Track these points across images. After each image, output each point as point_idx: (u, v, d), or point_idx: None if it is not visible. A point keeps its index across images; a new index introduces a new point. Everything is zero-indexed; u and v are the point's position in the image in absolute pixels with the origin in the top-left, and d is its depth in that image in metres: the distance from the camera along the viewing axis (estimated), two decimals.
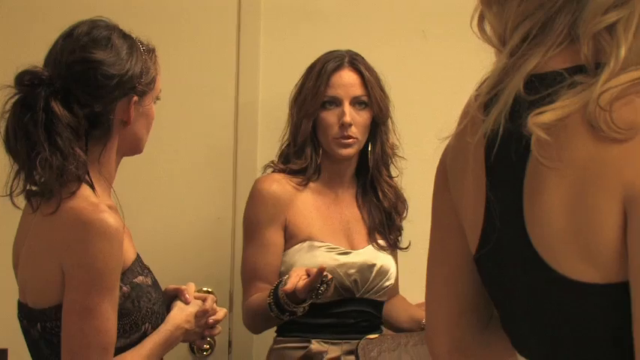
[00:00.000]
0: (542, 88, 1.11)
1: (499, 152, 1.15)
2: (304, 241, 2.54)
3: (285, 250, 2.57)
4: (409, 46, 3.00)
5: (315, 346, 2.52)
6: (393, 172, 2.68)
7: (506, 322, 1.25)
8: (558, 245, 1.09)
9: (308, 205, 2.59)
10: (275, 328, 2.62)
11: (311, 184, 2.61)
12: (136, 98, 1.99)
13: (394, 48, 2.98)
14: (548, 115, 1.08)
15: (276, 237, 2.56)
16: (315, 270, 2.33)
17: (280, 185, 2.58)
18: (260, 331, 2.62)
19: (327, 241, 2.55)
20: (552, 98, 1.09)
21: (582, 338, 1.12)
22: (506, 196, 1.15)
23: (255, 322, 2.55)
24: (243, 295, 2.60)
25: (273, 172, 2.64)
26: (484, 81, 1.20)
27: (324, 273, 2.33)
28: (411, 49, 3.00)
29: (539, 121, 1.08)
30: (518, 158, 1.13)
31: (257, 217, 2.58)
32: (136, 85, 1.98)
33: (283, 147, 2.66)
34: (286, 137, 2.65)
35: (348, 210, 2.64)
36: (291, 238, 2.56)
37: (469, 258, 1.26)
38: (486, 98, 1.17)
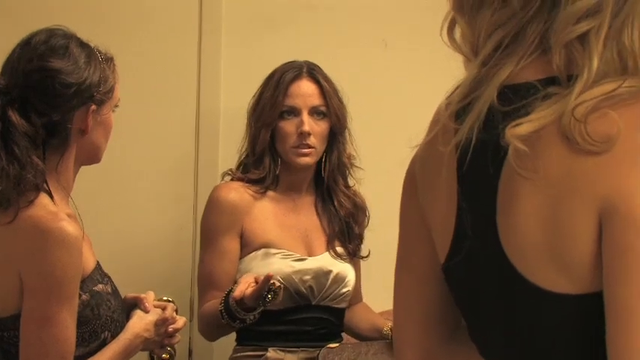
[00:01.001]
0: (516, 99, 1.11)
1: (472, 162, 1.15)
2: (260, 248, 2.55)
3: (241, 258, 2.57)
4: (370, 56, 3.01)
5: (272, 354, 2.52)
6: (351, 181, 2.69)
7: (475, 332, 1.24)
8: (532, 255, 1.09)
9: (266, 212, 2.60)
10: (235, 336, 2.62)
11: (269, 193, 2.62)
12: (94, 107, 1.98)
13: (355, 57, 2.99)
14: (524, 126, 1.08)
15: (232, 245, 2.56)
16: (262, 277, 2.33)
17: (238, 193, 2.59)
18: (215, 338, 2.62)
19: (284, 248, 2.55)
20: (527, 110, 1.09)
21: (554, 349, 1.11)
22: (479, 206, 1.15)
23: (210, 329, 2.56)
24: (199, 302, 2.60)
25: (231, 180, 2.64)
26: (455, 89, 1.20)
27: (272, 281, 2.33)
28: (372, 59, 3.01)
29: (516, 132, 1.08)
30: (491, 168, 1.13)
31: (214, 225, 2.58)
32: (94, 94, 1.97)
33: (242, 157, 2.66)
34: (244, 147, 2.65)
35: (306, 218, 2.65)
36: (247, 246, 2.57)
37: (437, 267, 1.25)
38: (458, 107, 1.17)
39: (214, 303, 2.49)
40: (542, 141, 1.07)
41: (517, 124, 1.08)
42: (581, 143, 1.05)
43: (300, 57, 2.67)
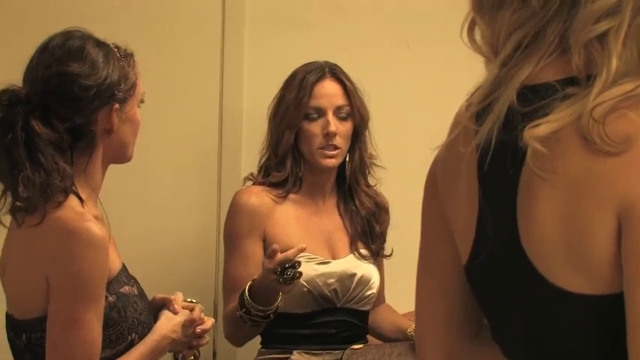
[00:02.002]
0: (535, 99, 1.11)
1: (492, 163, 1.15)
2: (283, 250, 2.54)
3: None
4: (393, 56, 3.01)
5: (296, 357, 2.52)
6: (372, 181, 2.69)
7: (497, 333, 1.25)
8: (552, 256, 1.09)
9: (287, 216, 2.59)
10: (260, 339, 2.63)
11: (291, 196, 2.61)
12: (117, 106, 1.98)
13: (378, 57, 2.99)
14: (543, 127, 1.08)
15: (255, 249, 2.56)
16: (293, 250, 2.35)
17: (259, 198, 2.58)
18: (240, 342, 2.61)
19: (308, 251, 2.55)
20: (546, 110, 1.09)
21: (574, 349, 1.12)
22: (499, 207, 1.15)
23: (233, 331, 2.56)
24: (224, 306, 2.60)
25: (252, 184, 2.64)
26: (475, 91, 1.20)
27: (294, 259, 2.33)
28: (394, 59, 3.01)
29: (535, 133, 1.08)
30: (512, 169, 1.13)
31: (236, 229, 2.58)
32: (115, 93, 1.97)
33: (263, 159, 2.65)
34: (265, 149, 2.64)
35: (329, 220, 2.65)
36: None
37: (459, 268, 1.26)
38: (478, 108, 1.17)
39: (235, 305, 2.50)
40: (561, 142, 1.08)
41: (536, 125, 1.08)
42: (600, 144, 1.05)
43: (323, 57, 2.66)
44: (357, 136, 2.63)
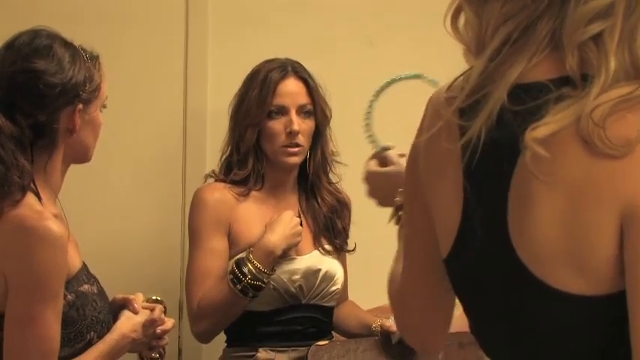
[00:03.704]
0: (527, 99, 1.10)
1: (481, 160, 1.14)
2: (245, 249, 2.53)
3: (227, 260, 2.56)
4: (355, 53, 3.01)
5: (262, 354, 2.51)
6: (333, 178, 2.69)
7: (477, 329, 1.24)
8: (549, 257, 1.09)
9: (250, 213, 2.59)
10: (225, 338, 2.62)
11: (253, 193, 2.61)
12: (80, 106, 1.98)
13: (341, 55, 3.00)
14: (541, 129, 1.07)
15: (221, 243, 2.55)
16: None
17: (222, 194, 2.58)
18: (209, 334, 2.58)
19: None
20: (540, 111, 1.08)
21: (566, 350, 1.12)
22: (488, 205, 1.14)
23: (215, 316, 2.52)
24: (190, 300, 2.56)
25: (214, 182, 2.63)
26: (454, 81, 1.19)
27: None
28: (356, 56, 3.01)
29: (534, 135, 1.07)
30: (503, 168, 1.12)
31: (201, 225, 2.57)
32: (80, 93, 1.97)
33: (224, 157, 2.65)
34: (226, 147, 2.64)
35: None
36: (234, 247, 2.56)
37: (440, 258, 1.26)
38: (464, 104, 1.15)
39: (219, 284, 2.49)
40: (559, 144, 1.07)
41: (534, 127, 1.07)
42: (601, 147, 1.05)
43: (286, 55, 2.66)
44: (319, 134, 2.63)
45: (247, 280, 2.44)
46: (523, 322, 1.14)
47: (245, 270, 2.45)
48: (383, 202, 1.67)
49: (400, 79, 1.81)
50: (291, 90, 2.59)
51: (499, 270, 1.15)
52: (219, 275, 2.52)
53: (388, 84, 1.80)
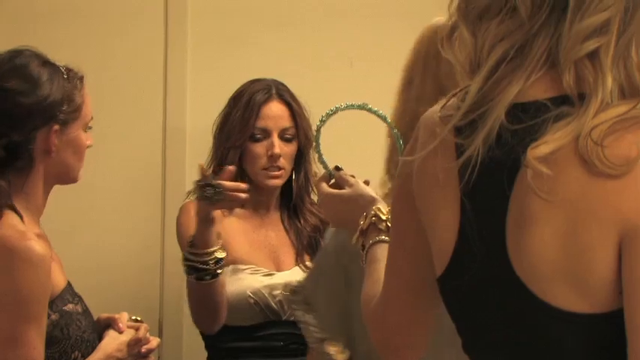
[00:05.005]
0: (526, 118, 1.10)
1: (479, 179, 1.14)
2: (228, 265, 2.54)
3: None
4: (336, 73, 3.03)
5: None
6: (316, 199, 2.70)
7: (473, 347, 1.24)
8: (548, 275, 1.09)
9: (233, 229, 2.60)
10: (206, 354, 2.61)
11: (236, 210, 2.61)
12: (56, 127, 1.96)
13: (322, 75, 3.01)
14: (542, 148, 1.07)
15: None
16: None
17: None
18: (205, 321, 2.55)
19: (253, 264, 2.55)
20: (538, 130, 1.09)
21: None
22: (486, 223, 1.15)
23: (194, 307, 2.52)
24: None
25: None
26: (447, 100, 1.19)
27: (213, 179, 2.34)
28: (337, 76, 3.03)
29: (536, 154, 1.07)
30: (501, 187, 1.12)
31: (188, 234, 2.56)
32: (56, 114, 1.96)
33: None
34: (210, 165, 2.64)
35: (274, 233, 2.66)
36: None
37: (433, 279, 1.25)
38: (461, 123, 1.15)
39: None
40: (559, 162, 1.07)
41: (535, 146, 1.07)
42: (600, 167, 1.05)
43: (266, 75, 2.67)
44: (302, 156, 2.65)
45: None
46: (522, 340, 1.14)
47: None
48: (341, 224, 1.67)
49: (346, 107, 1.83)
50: (274, 113, 2.60)
51: (497, 288, 1.15)
52: None
53: (334, 112, 1.83)
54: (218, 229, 2.51)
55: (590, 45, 1.09)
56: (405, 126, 1.70)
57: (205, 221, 2.39)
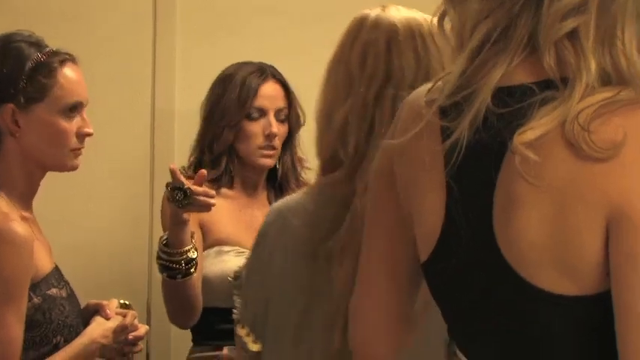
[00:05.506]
0: (511, 102, 1.11)
1: (466, 162, 1.14)
2: (213, 246, 2.54)
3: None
4: (323, 57, 3.00)
5: (227, 352, 2.51)
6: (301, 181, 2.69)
7: (459, 331, 1.24)
8: (536, 258, 1.09)
9: (221, 211, 2.58)
10: (191, 337, 2.61)
11: (223, 190, 2.60)
12: (11, 106, 1.95)
13: (308, 59, 2.98)
14: (528, 133, 1.08)
15: (195, 236, 2.54)
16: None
17: None
18: (179, 316, 2.56)
19: (238, 245, 2.55)
20: (525, 114, 1.09)
21: (554, 350, 1.12)
22: (473, 206, 1.15)
23: (168, 304, 2.52)
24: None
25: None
26: (434, 84, 1.19)
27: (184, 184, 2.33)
28: (325, 60, 3.00)
29: (523, 140, 1.08)
30: (488, 170, 1.13)
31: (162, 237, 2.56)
32: (11, 92, 1.94)
33: (193, 157, 2.63)
34: (196, 147, 2.62)
35: (260, 212, 2.64)
36: (203, 242, 2.55)
37: (406, 263, 1.25)
38: (445, 104, 1.15)
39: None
40: (546, 147, 1.08)
41: (522, 132, 1.08)
42: (587, 150, 1.06)
43: (255, 58, 2.66)
44: (290, 138, 2.65)
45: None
46: (510, 323, 1.15)
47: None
48: None
49: None
50: (271, 93, 2.60)
51: (484, 272, 1.15)
52: None
53: None
54: (192, 229, 2.50)
55: (569, 24, 1.09)
56: (322, 110, 1.72)
57: (176, 223, 2.38)
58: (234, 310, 1.96)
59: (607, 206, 1.06)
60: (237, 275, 2.08)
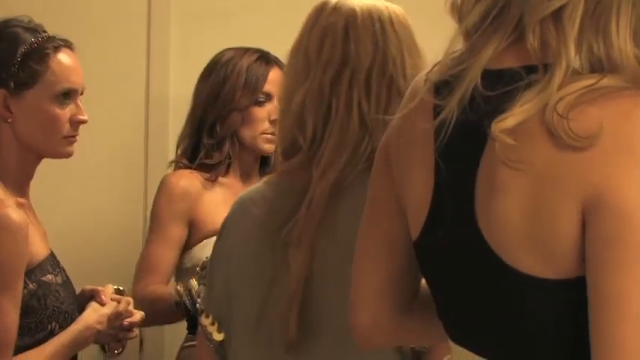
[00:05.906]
0: (500, 85, 1.11)
1: (451, 141, 1.15)
2: (211, 236, 2.53)
3: (192, 247, 2.55)
4: None
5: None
6: None
7: (445, 313, 1.25)
8: (514, 242, 1.10)
9: (217, 200, 2.58)
10: (186, 325, 2.61)
11: (220, 179, 2.60)
12: (3, 92, 1.94)
13: None
14: (508, 121, 1.08)
15: (177, 232, 2.54)
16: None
17: (189, 181, 2.57)
18: (150, 324, 2.55)
19: None
20: (509, 98, 1.09)
21: (533, 333, 1.13)
22: (457, 186, 1.16)
23: (149, 315, 2.51)
24: (135, 284, 2.54)
25: (179, 168, 2.62)
26: (434, 66, 1.19)
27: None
28: None
29: (502, 127, 1.08)
30: (472, 152, 1.14)
31: (161, 211, 2.56)
32: (3, 78, 1.93)
33: (184, 142, 2.61)
34: (185, 132, 2.60)
35: None
36: (197, 234, 2.55)
37: (405, 242, 1.25)
38: (437, 80, 1.16)
39: (159, 290, 2.47)
40: (527, 133, 1.08)
41: (503, 119, 1.08)
42: (566, 139, 1.06)
43: (249, 44, 2.65)
44: None
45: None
46: (491, 305, 1.15)
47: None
48: None
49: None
50: (277, 79, 2.57)
51: (467, 250, 1.16)
52: (163, 270, 2.52)
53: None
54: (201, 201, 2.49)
55: (555, 3, 1.09)
56: (282, 96, 1.72)
57: None
58: (198, 300, 1.96)
59: (583, 194, 1.06)
60: (204, 265, 2.08)
